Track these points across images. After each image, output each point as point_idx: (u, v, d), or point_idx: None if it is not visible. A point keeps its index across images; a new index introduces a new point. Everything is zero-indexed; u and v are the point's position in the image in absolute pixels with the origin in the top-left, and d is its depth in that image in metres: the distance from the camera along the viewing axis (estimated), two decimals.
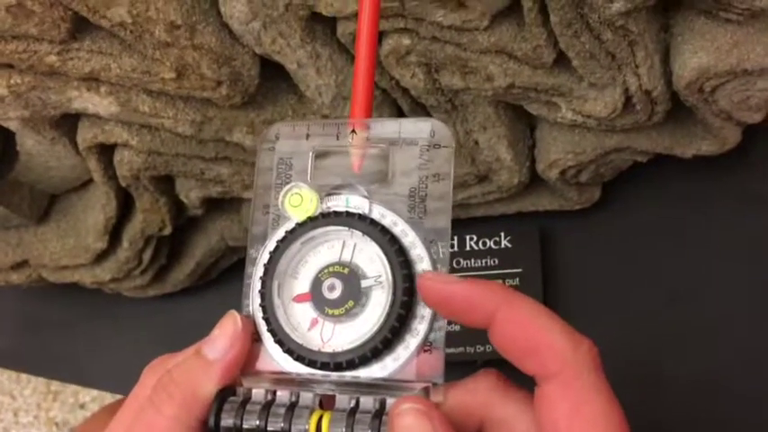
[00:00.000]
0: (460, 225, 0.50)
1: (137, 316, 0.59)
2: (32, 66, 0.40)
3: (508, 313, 0.24)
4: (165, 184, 0.48)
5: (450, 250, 0.27)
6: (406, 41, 0.40)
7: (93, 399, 0.63)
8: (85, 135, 0.45)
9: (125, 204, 0.50)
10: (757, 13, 0.37)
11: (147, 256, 0.52)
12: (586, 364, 0.23)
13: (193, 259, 0.53)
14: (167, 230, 0.50)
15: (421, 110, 0.44)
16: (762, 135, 0.46)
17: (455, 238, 0.49)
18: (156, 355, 0.58)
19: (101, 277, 0.53)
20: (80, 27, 0.39)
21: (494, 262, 0.48)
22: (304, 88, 0.42)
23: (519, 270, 0.48)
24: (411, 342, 0.26)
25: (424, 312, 0.26)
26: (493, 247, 0.48)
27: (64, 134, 0.46)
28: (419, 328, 0.26)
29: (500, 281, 0.47)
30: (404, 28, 0.39)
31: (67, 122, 0.45)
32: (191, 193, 0.48)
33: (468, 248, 0.49)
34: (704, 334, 0.46)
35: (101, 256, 0.52)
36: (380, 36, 0.40)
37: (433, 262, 0.27)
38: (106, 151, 0.46)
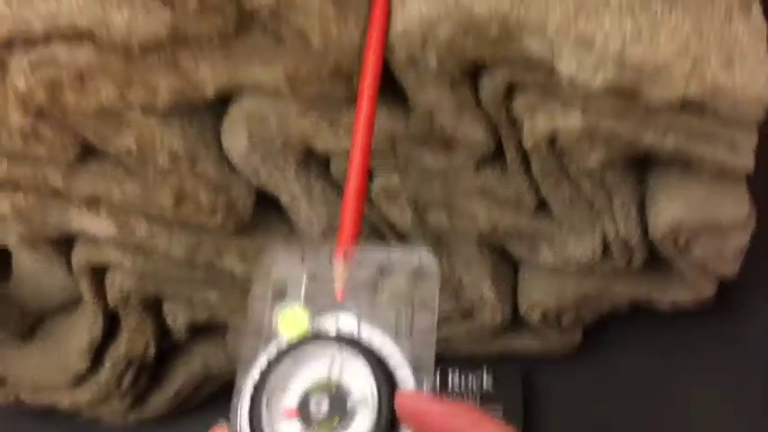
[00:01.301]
0: (443, 361, 0.50)
1: None
2: (37, 187, 0.42)
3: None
4: (153, 306, 0.48)
5: (432, 385, 0.28)
6: (396, 180, 0.42)
7: None
8: (81, 255, 0.46)
9: (110, 326, 0.50)
10: (727, 171, 0.40)
11: (127, 379, 0.52)
12: None
13: (174, 385, 0.53)
14: (151, 353, 0.50)
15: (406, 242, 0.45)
16: (739, 284, 0.47)
17: (437, 373, 0.50)
18: None
19: (80, 399, 0.53)
20: (87, 151, 0.41)
21: (475, 399, 0.48)
22: (296, 219, 0.43)
23: (499, 409, 0.48)
24: None
25: None
26: (475, 384, 0.49)
27: (60, 253, 0.47)
28: None
29: None
30: (394, 167, 0.41)
31: (64, 243, 0.46)
32: (178, 318, 0.48)
33: (450, 384, 0.49)
34: None
35: (81, 378, 0.52)
36: (372, 173, 0.42)
37: (418, 383, 0.27)
38: (98, 273, 0.47)
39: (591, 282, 0.45)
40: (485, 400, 0.48)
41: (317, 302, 0.30)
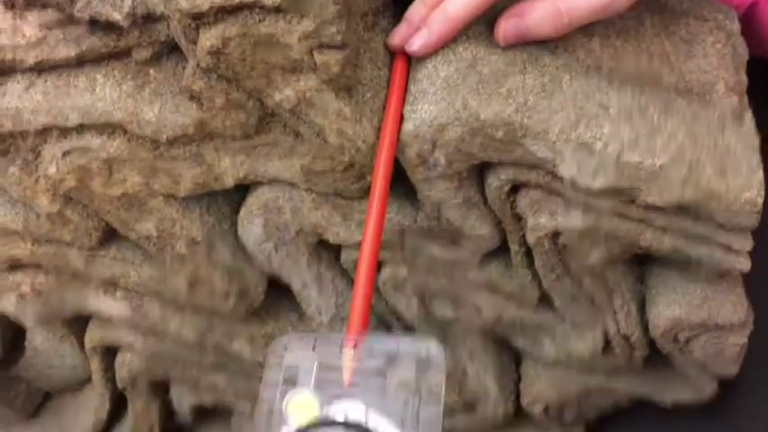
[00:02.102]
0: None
1: None
2: (58, 268, 0.44)
3: None
4: (160, 389, 0.49)
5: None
6: (403, 271, 0.43)
7: None
8: (93, 335, 0.47)
9: (117, 408, 0.51)
10: (724, 272, 0.41)
11: None
12: None
13: None
14: None
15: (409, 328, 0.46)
16: (740, 385, 0.48)
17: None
18: None
19: None
20: (109, 236, 0.43)
21: None
22: (305, 307, 0.45)
23: None
24: None
25: None
26: None
27: (73, 333, 0.48)
28: None
29: None
30: (402, 259, 0.43)
31: (78, 322, 0.48)
32: (183, 401, 0.49)
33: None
34: None
35: None
36: (380, 264, 0.43)
37: None
38: (109, 353, 0.48)
39: (593, 377, 0.46)
40: None
41: (327, 390, 0.31)
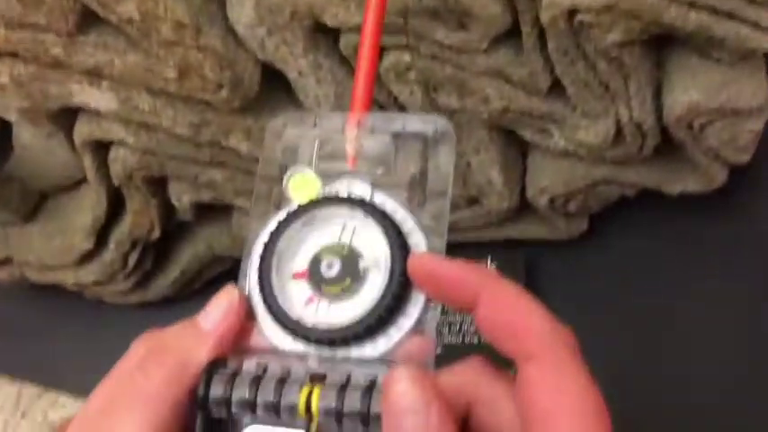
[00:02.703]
0: (447, 248, 0.50)
1: (116, 323, 0.59)
2: (37, 56, 0.41)
3: (492, 294, 0.25)
4: (158, 186, 0.48)
5: (444, 251, 0.28)
6: (407, 58, 0.40)
7: (61, 418, 0.62)
8: (82, 130, 0.45)
9: (115, 206, 0.50)
10: (747, 54, 0.39)
11: (132, 259, 0.52)
12: (565, 349, 0.24)
13: (179, 266, 0.53)
14: (156, 234, 0.50)
15: None
16: (748, 176, 0.47)
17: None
18: None
19: (84, 279, 0.53)
20: (88, 21, 0.40)
21: None
22: (303, 97, 0.42)
23: None
24: (404, 324, 0.26)
25: (417, 296, 0.26)
26: None
27: (61, 129, 0.46)
28: (412, 311, 0.26)
29: None
30: (405, 45, 0.40)
31: (65, 117, 0.46)
32: (182, 197, 0.48)
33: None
34: (691, 372, 0.46)
35: (85, 258, 0.52)
36: (382, 51, 0.41)
37: (430, 250, 0.27)
38: (101, 149, 0.46)
39: (601, 168, 0.45)
40: None
41: (329, 169, 0.29)
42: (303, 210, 0.28)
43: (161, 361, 0.26)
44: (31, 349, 0.59)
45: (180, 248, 0.53)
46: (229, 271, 0.55)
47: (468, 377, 0.26)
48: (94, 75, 0.42)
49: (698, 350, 0.46)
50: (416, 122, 0.29)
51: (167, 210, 0.50)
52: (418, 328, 0.26)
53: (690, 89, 0.40)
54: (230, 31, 0.40)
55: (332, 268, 0.27)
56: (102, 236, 0.51)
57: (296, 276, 0.28)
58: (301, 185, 0.29)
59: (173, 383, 0.25)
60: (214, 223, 0.51)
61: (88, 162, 0.46)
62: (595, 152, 0.43)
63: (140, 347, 0.27)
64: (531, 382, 0.23)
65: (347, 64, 0.42)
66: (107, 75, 0.42)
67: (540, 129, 0.44)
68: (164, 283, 0.54)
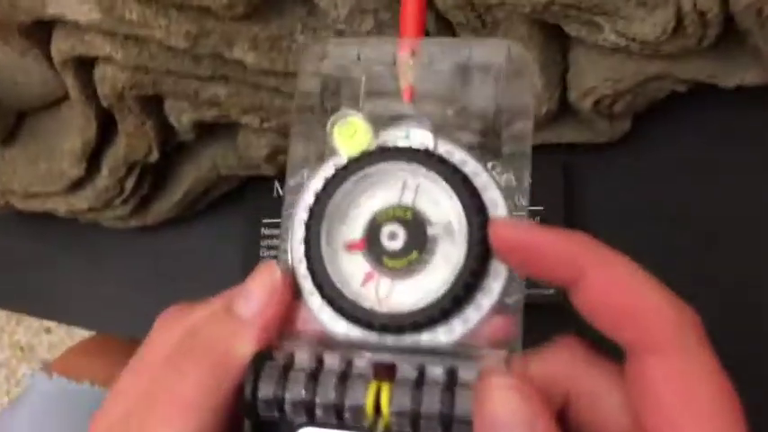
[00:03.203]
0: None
1: (115, 247, 0.55)
2: None
3: (601, 271, 0.21)
4: (153, 105, 0.42)
5: (527, 212, 0.23)
6: None
7: (58, 324, 0.58)
8: (61, 46, 0.39)
9: (105, 127, 0.45)
10: None
11: (129, 184, 0.47)
12: (694, 338, 0.20)
13: (181, 188, 0.48)
14: (153, 157, 0.45)
15: (445, 27, 0.39)
16: None
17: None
18: (137, 289, 0.54)
19: (77, 206, 0.48)
20: None
21: None
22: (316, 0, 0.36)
23: (540, 208, 0.45)
24: (483, 302, 0.22)
25: (498, 269, 0.22)
26: None
27: (35, 45, 0.40)
28: (493, 286, 0.22)
29: None
30: None
31: (40, 31, 0.39)
32: (182, 117, 0.42)
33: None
34: (742, 281, 0.43)
35: (77, 184, 0.47)
36: None
37: (510, 209, 0.23)
38: (85, 66, 0.40)
39: (653, 63, 0.40)
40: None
41: (381, 111, 0.24)
42: (354, 164, 0.23)
43: (197, 359, 0.22)
44: (28, 281, 0.55)
45: (181, 169, 0.48)
46: (237, 189, 0.50)
47: (563, 365, 0.22)
48: None
49: (758, 260, 0.43)
50: (484, 50, 0.24)
51: (165, 130, 0.44)
52: (500, 306, 0.22)
53: None
54: None
55: (395, 238, 0.23)
56: (93, 160, 0.46)
57: (350, 248, 0.23)
58: (349, 133, 0.24)
59: (213, 387, 0.21)
60: (218, 142, 0.46)
61: (71, 82, 0.41)
62: (651, 46, 0.38)
63: (168, 333, 0.23)
64: (654, 379, 0.19)
65: None
66: None
67: (588, 22, 0.38)
68: (165, 206, 0.50)
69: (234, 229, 0.51)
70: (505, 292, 0.22)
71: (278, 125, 0.42)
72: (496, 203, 0.22)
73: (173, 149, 0.47)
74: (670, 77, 0.41)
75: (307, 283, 0.23)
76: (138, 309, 0.53)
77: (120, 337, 0.57)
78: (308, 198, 0.23)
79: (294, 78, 0.40)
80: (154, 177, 0.48)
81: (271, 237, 0.49)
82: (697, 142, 0.45)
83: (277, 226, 0.50)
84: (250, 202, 0.50)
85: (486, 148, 0.23)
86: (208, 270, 0.52)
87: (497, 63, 0.23)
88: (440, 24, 0.39)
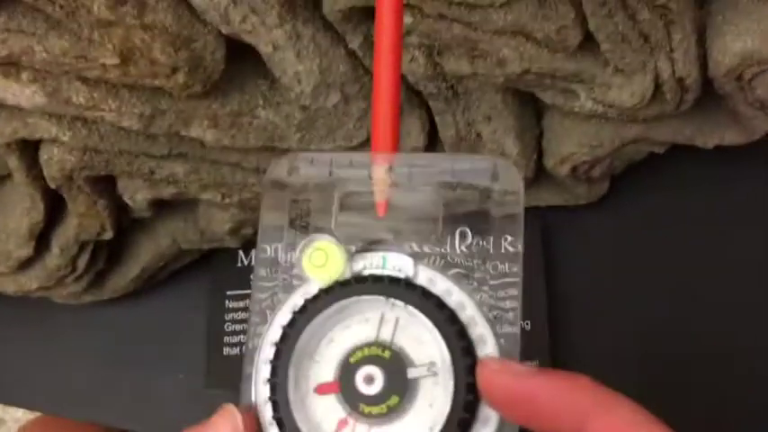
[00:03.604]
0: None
1: (68, 323, 0.51)
2: None
3: (605, 420, 0.18)
4: (105, 184, 0.40)
5: (519, 348, 0.21)
6: (408, 20, 0.33)
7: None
8: (3, 129, 0.36)
9: (54, 204, 0.42)
10: None
11: (82, 262, 0.44)
12: None
13: (138, 264, 0.45)
14: (107, 235, 0.42)
15: (416, 98, 0.37)
16: None
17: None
18: (90, 368, 0.51)
19: (26, 286, 0.45)
20: None
21: None
22: (280, 74, 0.34)
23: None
24: None
25: (488, 414, 0.20)
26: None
27: None
28: None
29: None
30: (406, 4, 0.32)
31: None
32: (137, 195, 0.40)
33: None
34: (719, 337, 0.42)
35: (26, 264, 0.44)
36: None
37: (499, 346, 0.20)
38: (30, 147, 0.37)
39: (631, 128, 0.39)
40: None
41: (355, 235, 0.22)
42: (326, 296, 0.21)
43: None
44: None
45: (139, 244, 0.45)
46: (199, 260, 0.48)
47: (578, 402, 0.19)
48: (10, 65, 0.33)
49: (730, 315, 0.42)
50: (468, 166, 0.22)
51: (119, 208, 0.41)
52: None
53: (743, 35, 0.34)
54: (183, 1, 0.31)
55: (372, 383, 0.20)
56: (42, 239, 0.43)
57: (321, 390, 0.21)
58: (323, 261, 0.21)
59: None
60: (177, 215, 0.44)
61: (14, 164, 0.38)
62: (628, 112, 0.37)
63: None
64: None
65: (332, 30, 0.34)
66: (26, 64, 0.33)
67: (564, 90, 0.37)
68: (122, 282, 0.47)
69: (197, 300, 0.48)
70: None
71: (240, 200, 0.40)
72: (485, 340, 0.20)
73: (129, 224, 0.44)
74: (648, 140, 0.40)
75: (272, 429, 0.21)
76: (93, 391, 0.50)
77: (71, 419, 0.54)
78: (273, 333, 0.21)
79: (256, 153, 0.38)
80: (109, 252, 0.45)
81: (236, 309, 0.47)
82: (675, 200, 0.44)
83: (243, 298, 0.47)
84: (213, 272, 0.48)
85: (473, 271, 0.21)
86: (170, 344, 0.49)
87: (481, 181, 0.21)
88: (410, 95, 0.37)
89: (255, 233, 0.43)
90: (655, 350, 0.43)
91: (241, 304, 0.47)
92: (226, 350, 0.46)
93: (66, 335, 0.51)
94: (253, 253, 0.47)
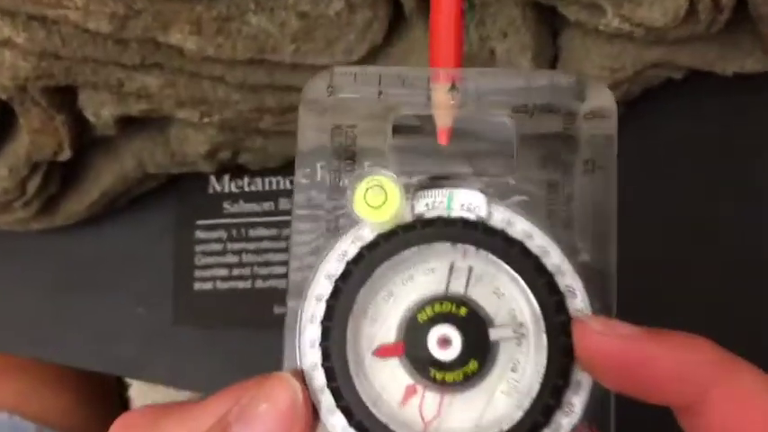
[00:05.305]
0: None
1: (14, 250, 0.46)
2: None
3: (727, 390, 0.16)
4: (65, 95, 0.35)
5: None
6: None
7: None
8: None
9: (2, 119, 0.36)
10: None
11: (32, 185, 0.39)
12: None
13: (98, 187, 0.41)
14: (65, 156, 0.37)
15: (427, 9, 0.33)
16: None
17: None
18: (42, 301, 0.46)
19: None
20: None
21: None
22: None
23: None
24: (564, 424, 0.17)
25: (582, 381, 0.17)
26: None
27: None
28: (575, 402, 0.17)
29: None
30: None
31: None
32: (101, 111, 0.35)
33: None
34: (737, 265, 0.40)
35: None
36: None
37: (590, 297, 0.17)
38: None
39: (654, 50, 0.36)
40: None
41: (414, 168, 0.18)
42: (385, 243, 0.18)
43: None
44: None
45: (99, 165, 0.40)
46: (165, 184, 0.43)
47: (699, 369, 0.17)
48: None
49: (749, 242, 0.41)
50: (551, 83, 0.18)
51: (79, 124, 0.36)
52: (584, 426, 0.17)
53: None
54: None
55: (448, 345, 0.17)
56: None
57: (381, 353, 0.18)
58: (380, 201, 0.18)
59: None
60: (144, 134, 0.39)
61: None
62: (656, 33, 0.34)
63: None
64: None
65: None
66: None
67: (590, 5, 0.33)
68: (78, 207, 0.42)
69: (162, 229, 0.44)
70: (589, 407, 0.17)
71: (221, 120, 0.35)
72: (575, 293, 0.17)
73: (89, 142, 0.39)
74: (669, 64, 0.37)
75: (325, 399, 0.17)
76: (42, 325, 0.46)
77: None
78: (323, 287, 0.17)
79: (244, 66, 0.33)
80: (64, 174, 0.40)
81: (207, 241, 0.43)
82: (691, 128, 0.41)
83: (215, 228, 0.43)
84: (181, 199, 0.43)
85: (556, 210, 0.18)
86: (130, 276, 0.45)
87: (567, 101, 0.18)
88: (420, 4, 0.33)
89: (233, 157, 0.39)
90: (672, 282, 0.41)
91: (213, 235, 0.43)
92: (197, 285, 0.42)
93: (12, 264, 0.46)
94: (226, 179, 0.43)
